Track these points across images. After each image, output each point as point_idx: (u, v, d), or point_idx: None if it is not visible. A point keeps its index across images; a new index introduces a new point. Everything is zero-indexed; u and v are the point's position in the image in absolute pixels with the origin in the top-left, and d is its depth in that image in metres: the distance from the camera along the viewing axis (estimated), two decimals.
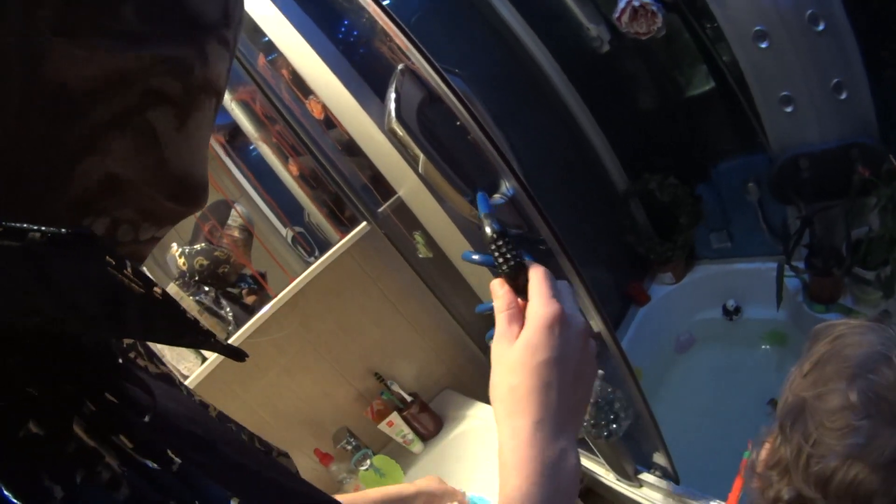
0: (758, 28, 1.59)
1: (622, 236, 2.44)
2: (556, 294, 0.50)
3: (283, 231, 1.70)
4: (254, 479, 0.41)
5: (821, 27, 1.51)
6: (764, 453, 0.71)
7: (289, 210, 1.70)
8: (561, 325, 0.48)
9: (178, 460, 0.32)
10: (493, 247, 0.54)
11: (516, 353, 0.48)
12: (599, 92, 2.28)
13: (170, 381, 0.51)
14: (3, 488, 0.26)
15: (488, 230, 0.55)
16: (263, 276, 1.60)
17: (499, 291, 0.53)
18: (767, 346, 2.16)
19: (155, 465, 0.31)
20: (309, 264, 1.60)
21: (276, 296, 1.50)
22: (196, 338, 0.38)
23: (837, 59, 1.55)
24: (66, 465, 0.29)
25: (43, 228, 0.28)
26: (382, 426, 1.71)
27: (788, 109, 1.70)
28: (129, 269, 0.32)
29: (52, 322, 0.30)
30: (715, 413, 2.07)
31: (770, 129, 1.80)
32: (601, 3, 1.97)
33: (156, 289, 0.33)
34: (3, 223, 0.27)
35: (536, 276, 0.51)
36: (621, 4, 1.78)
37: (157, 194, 0.36)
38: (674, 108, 2.19)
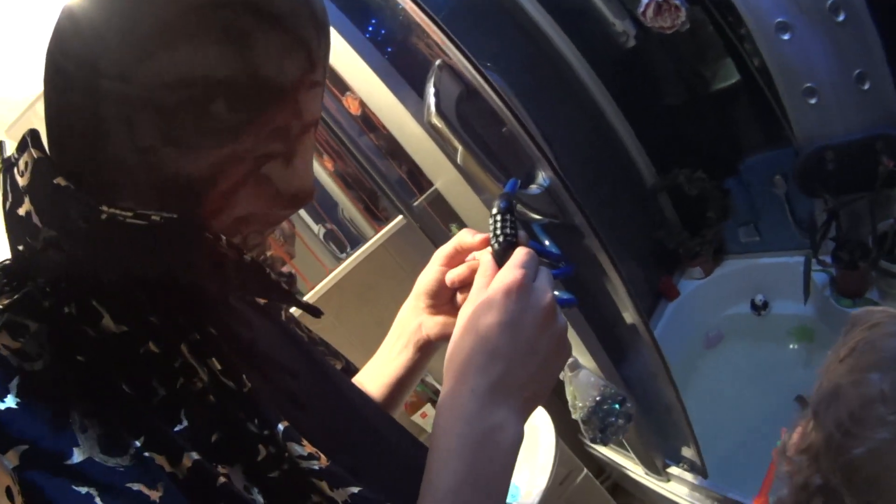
0: (780, 19, 1.59)
1: (651, 231, 2.43)
2: (525, 266, 0.48)
3: (315, 227, 1.74)
4: (314, 406, 0.50)
5: (841, 17, 1.50)
6: (796, 437, 0.68)
7: (322, 205, 1.73)
8: (519, 292, 0.46)
9: (248, 384, 0.41)
10: (491, 221, 0.53)
11: (471, 314, 0.47)
12: (627, 86, 2.27)
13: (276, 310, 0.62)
14: (124, 385, 0.35)
15: (494, 206, 0.54)
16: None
17: (483, 259, 0.52)
18: (795, 346, 2.14)
19: (232, 385, 0.40)
20: (340, 260, 1.64)
21: (312, 288, 1.54)
22: (280, 294, 0.47)
23: (859, 50, 1.55)
24: (171, 374, 0.38)
25: (163, 214, 0.38)
26: (416, 417, 1.74)
27: (812, 101, 1.69)
28: (223, 241, 0.41)
29: (169, 273, 0.41)
30: (743, 408, 2.05)
31: (795, 122, 1.79)
32: None
33: (245, 255, 0.43)
34: (134, 210, 0.37)
35: (517, 251, 0.50)
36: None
37: (274, 211, 0.45)
38: (701, 102, 2.18)
